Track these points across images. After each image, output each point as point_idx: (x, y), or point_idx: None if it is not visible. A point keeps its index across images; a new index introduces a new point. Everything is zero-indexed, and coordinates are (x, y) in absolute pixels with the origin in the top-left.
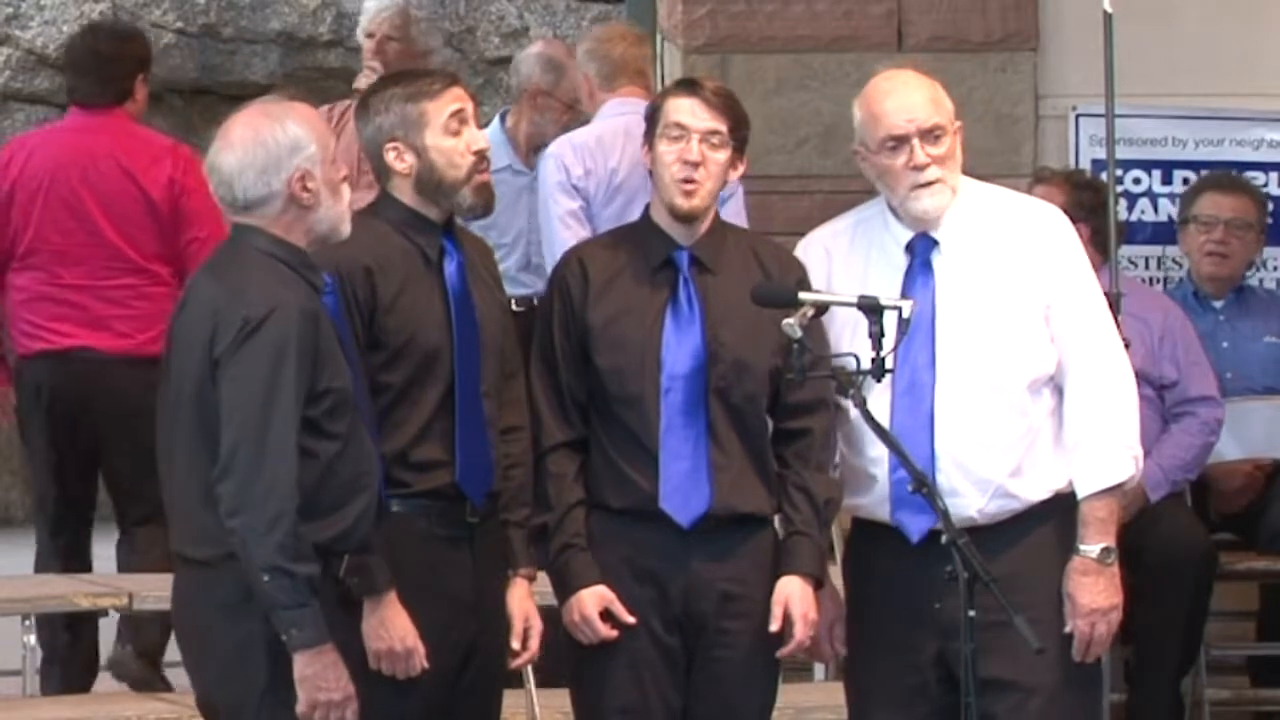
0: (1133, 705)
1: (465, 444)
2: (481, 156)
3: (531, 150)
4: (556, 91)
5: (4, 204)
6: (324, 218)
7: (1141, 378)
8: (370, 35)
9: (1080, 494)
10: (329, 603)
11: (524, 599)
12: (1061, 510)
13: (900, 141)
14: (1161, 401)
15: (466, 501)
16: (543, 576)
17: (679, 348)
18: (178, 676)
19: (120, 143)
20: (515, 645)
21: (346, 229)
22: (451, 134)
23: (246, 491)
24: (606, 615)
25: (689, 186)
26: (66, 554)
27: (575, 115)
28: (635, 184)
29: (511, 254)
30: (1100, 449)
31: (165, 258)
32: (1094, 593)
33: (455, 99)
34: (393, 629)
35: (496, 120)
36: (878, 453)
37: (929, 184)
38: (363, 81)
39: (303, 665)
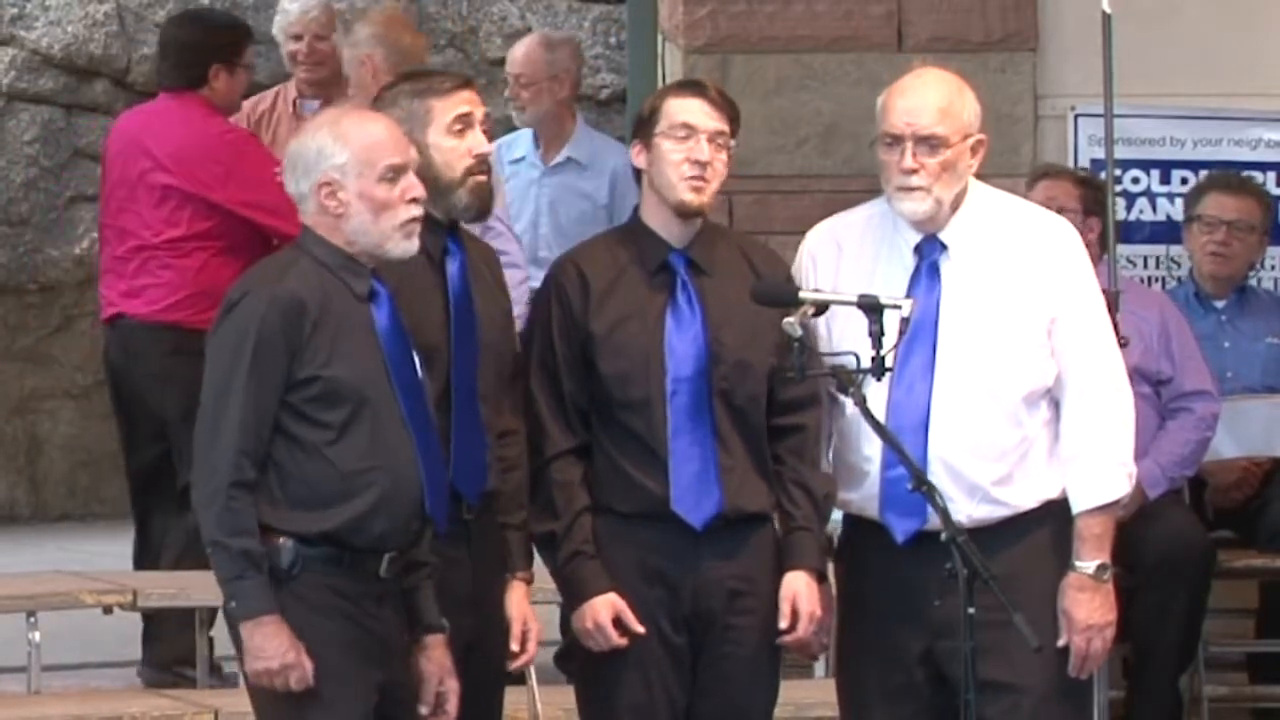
0: (1131, 702)
1: (460, 444)
2: (482, 160)
3: (549, 144)
4: (512, 70)
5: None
6: (359, 230)
7: (1140, 374)
8: (298, 38)
9: (1075, 510)
10: (349, 596)
11: (521, 601)
12: (1054, 516)
13: (895, 140)
14: (1159, 398)
15: (461, 500)
16: (542, 576)
17: (682, 350)
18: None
19: (165, 125)
20: (514, 647)
21: (395, 248)
22: (455, 135)
23: (199, 468)
24: (617, 623)
25: (698, 183)
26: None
27: (516, 95)
28: None
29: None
30: (1096, 466)
31: (202, 235)
32: (1090, 609)
33: (464, 101)
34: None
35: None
36: (871, 450)
37: (910, 189)
38: (302, 87)
39: (245, 635)
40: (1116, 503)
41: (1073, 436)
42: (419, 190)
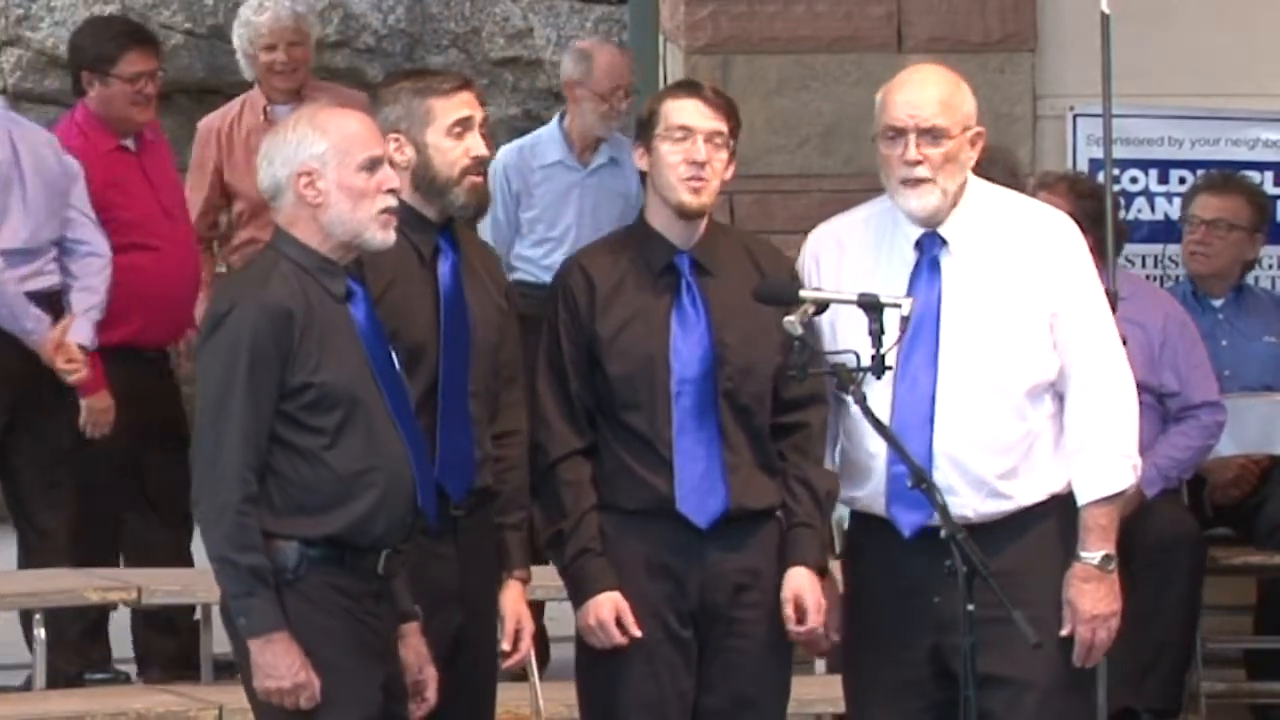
0: (1126, 697)
1: (446, 440)
2: (479, 162)
3: (585, 146)
4: (588, 82)
5: None
6: (337, 220)
7: (1141, 387)
8: (271, 49)
9: (1080, 501)
10: (351, 595)
11: (517, 600)
12: (1060, 510)
13: (898, 133)
14: (1161, 406)
15: (447, 497)
16: (539, 574)
17: (687, 352)
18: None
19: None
20: (505, 646)
21: (373, 237)
22: (454, 136)
23: (202, 483)
24: (620, 622)
25: (697, 184)
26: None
27: (612, 106)
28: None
29: (559, 248)
30: (1101, 457)
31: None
32: (1095, 599)
33: (464, 104)
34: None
35: (556, 118)
36: (876, 447)
37: (916, 182)
38: (274, 94)
39: (254, 653)
40: (1121, 494)
41: (1077, 429)
42: (394, 182)
